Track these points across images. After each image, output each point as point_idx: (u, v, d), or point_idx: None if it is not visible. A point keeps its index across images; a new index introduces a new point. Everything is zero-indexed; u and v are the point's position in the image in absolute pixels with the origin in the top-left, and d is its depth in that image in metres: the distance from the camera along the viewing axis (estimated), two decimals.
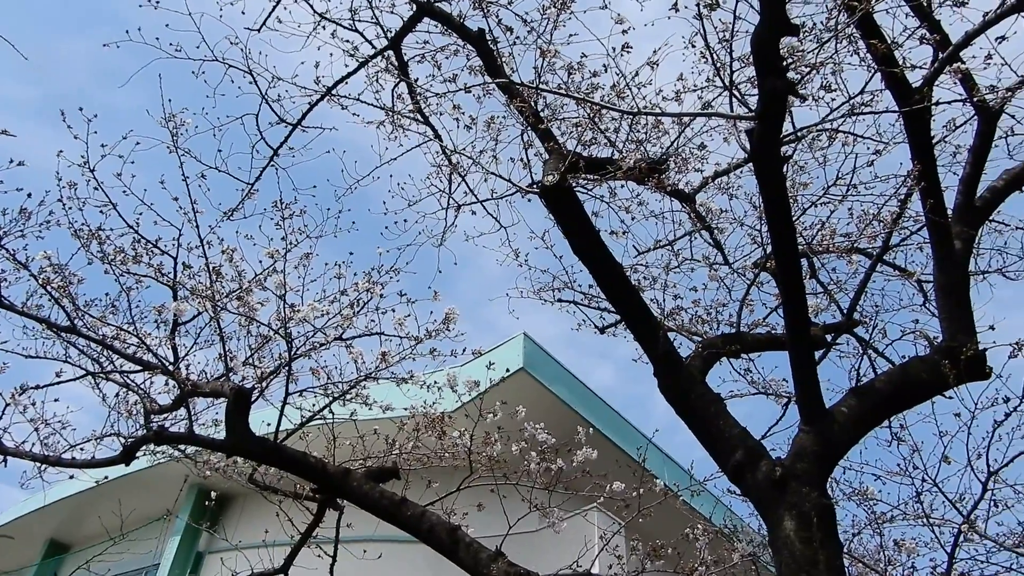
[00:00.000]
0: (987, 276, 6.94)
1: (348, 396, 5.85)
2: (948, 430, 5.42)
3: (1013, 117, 5.20)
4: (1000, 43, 4.60)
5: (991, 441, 4.98)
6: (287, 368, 5.44)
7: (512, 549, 5.36)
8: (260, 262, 5.94)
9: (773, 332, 6.12)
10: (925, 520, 5.40)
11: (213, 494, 10.37)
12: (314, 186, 6.33)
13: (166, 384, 5.85)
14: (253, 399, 5.54)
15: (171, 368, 5.53)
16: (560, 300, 6.99)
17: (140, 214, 5.46)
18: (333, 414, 6.03)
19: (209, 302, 5.44)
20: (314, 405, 6.28)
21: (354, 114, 6.55)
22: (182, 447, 6.33)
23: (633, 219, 6.04)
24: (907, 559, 5.56)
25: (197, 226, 5.48)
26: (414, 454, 6.24)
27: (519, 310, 6.90)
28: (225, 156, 6.24)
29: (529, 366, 10.07)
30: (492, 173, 5.45)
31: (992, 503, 5.30)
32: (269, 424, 5.83)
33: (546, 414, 10.33)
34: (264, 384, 5.70)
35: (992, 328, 4.98)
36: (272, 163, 6.64)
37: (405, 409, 6.04)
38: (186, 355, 5.76)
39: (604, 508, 7.57)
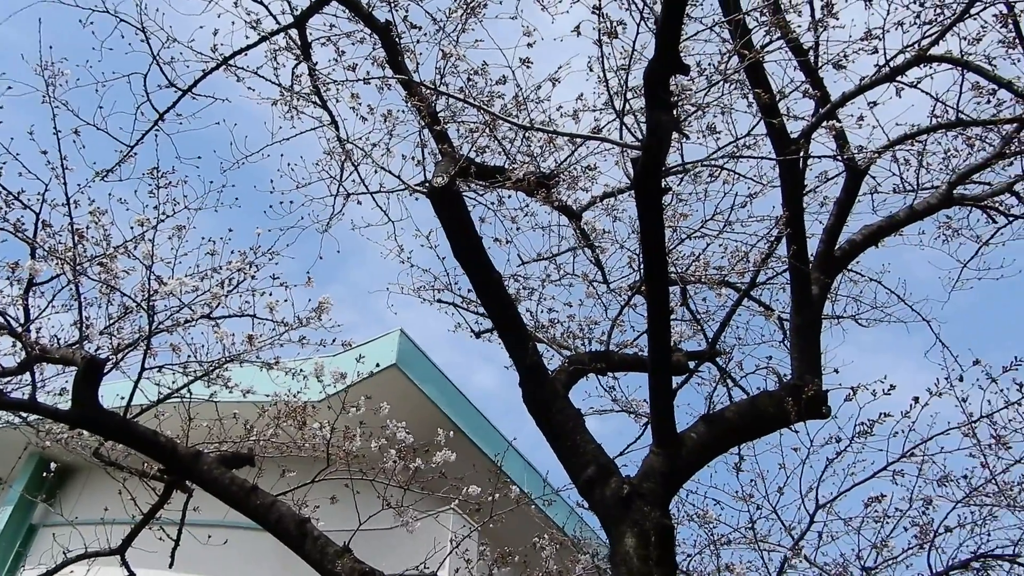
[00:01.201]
0: (842, 321, 7.42)
1: (209, 377, 5.67)
2: (792, 463, 5.73)
3: (874, 179, 5.57)
4: (873, 107, 4.91)
5: (821, 477, 5.31)
6: (146, 342, 5.22)
7: (365, 546, 5.33)
8: (132, 229, 5.70)
9: (640, 354, 6.33)
10: (756, 546, 5.70)
11: (53, 465, 9.79)
12: (199, 156, 6.11)
13: (13, 346, 5.52)
14: (106, 370, 5.30)
15: (19, 330, 5.23)
16: (440, 301, 7.01)
17: (4, 163, 5.15)
18: (191, 393, 5.84)
19: (69, 265, 5.16)
20: (174, 382, 6.07)
21: (249, 88, 6.36)
22: (23, 414, 5.98)
23: (518, 229, 6.11)
24: None
25: (65, 183, 5.20)
26: (272, 442, 6.11)
27: (413, 306, 6.88)
28: (106, 114, 5.95)
29: (402, 363, 10.03)
30: (382, 168, 5.41)
31: (819, 535, 5.65)
32: (123, 398, 5.60)
33: (414, 412, 10.35)
34: (120, 356, 5.45)
35: (836, 371, 5.32)
36: (157, 127, 6.36)
37: (267, 395, 5.90)
38: (38, 317, 5.46)
39: (461, 511, 7.63)
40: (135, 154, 6.09)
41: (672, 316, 7.08)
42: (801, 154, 4.94)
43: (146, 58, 6.13)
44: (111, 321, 5.60)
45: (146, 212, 5.46)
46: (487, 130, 5.32)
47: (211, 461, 5.32)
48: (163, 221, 5.21)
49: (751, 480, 5.72)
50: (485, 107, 5.00)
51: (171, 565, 6.26)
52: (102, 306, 5.61)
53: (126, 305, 5.46)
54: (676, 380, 6.89)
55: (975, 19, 4.65)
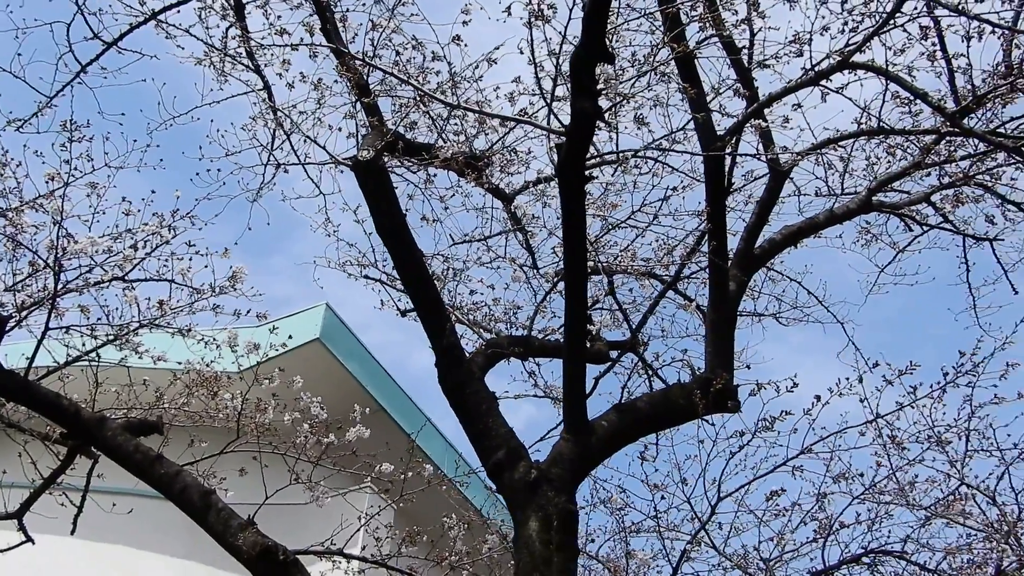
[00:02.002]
0: (764, 319, 7.57)
1: (118, 341, 5.51)
2: (706, 454, 5.83)
3: (792, 181, 5.68)
4: (797, 109, 5.00)
5: (724, 469, 5.43)
6: (51, 301, 5.04)
7: (276, 521, 5.27)
8: (47, 184, 5.49)
9: (562, 341, 6.35)
10: (658, 535, 5.82)
11: None
12: (122, 113, 5.90)
13: None
14: (8, 328, 5.12)
15: None
16: (367, 277, 6.92)
17: None
18: (100, 357, 5.67)
19: None
20: (84, 345, 5.89)
21: (179, 47, 6.17)
22: None
23: (447, 209, 6.07)
24: (638, 569, 5.98)
25: None
26: (184, 410, 5.99)
27: (357, 282, 6.77)
28: (25, 62, 5.71)
29: (325, 337, 9.93)
30: (310, 138, 5.31)
31: (722, 526, 5.79)
32: (27, 357, 5.41)
33: (337, 388, 10.25)
34: (24, 314, 5.26)
35: (748, 367, 5.43)
36: (79, 80, 6.13)
37: (179, 363, 5.77)
38: None
39: (376, 489, 7.60)
40: (55, 106, 5.86)
41: (598, 306, 7.15)
42: (727, 151, 4.99)
43: (71, 7, 5.91)
44: (17, 279, 5.40)
45: (60, 166, 5.27)
46: (418, 106, 5.26)
47: (116, 427, 5.19)
48: (76, 178, 5.03)
49: (667, 472, 5.83)
50: (416, 83, 4.94)
51: (73, 532, 6.10)
52: (7, 262, 5.41)
53: (33, 262, 5.26)
54: (598, 369, 6.97)
55: (902, 30, 4.76)
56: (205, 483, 5.02)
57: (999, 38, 4.76)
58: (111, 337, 5.67)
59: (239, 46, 6.03)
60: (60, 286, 5.12)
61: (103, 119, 6.02)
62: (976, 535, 5.83)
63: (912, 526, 5.89)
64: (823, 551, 5.82)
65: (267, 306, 5.64)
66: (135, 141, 5.73)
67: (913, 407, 5.19)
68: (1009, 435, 5.91)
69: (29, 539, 6.02)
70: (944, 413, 5.76)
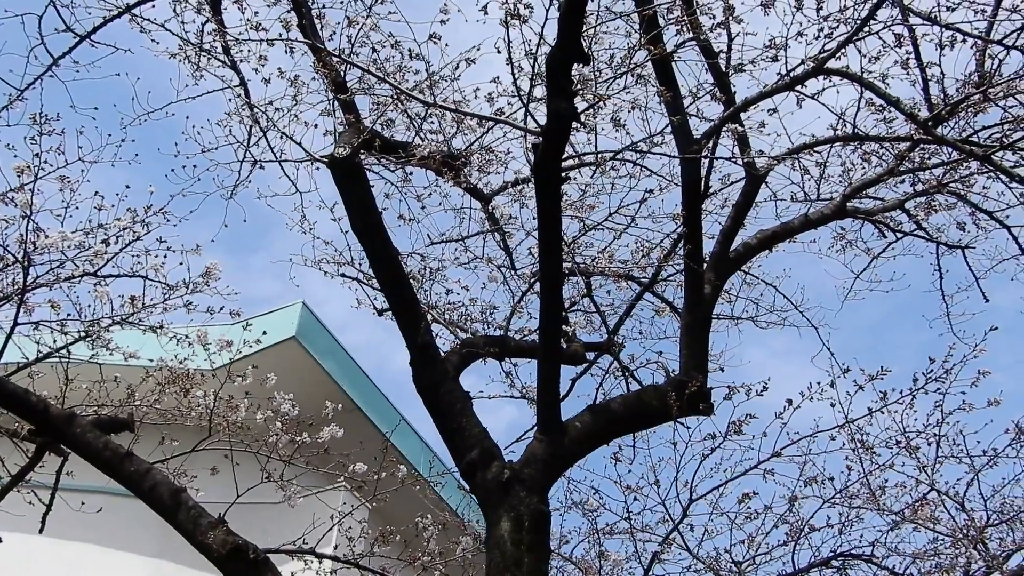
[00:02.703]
0: (741, 322, 7.61)
1: (89, 337, 5.45)
2: (679, 457, 5.86)
3: (768, 186, 5.72)
4: (772, 114, 5.03)
5: (696, 471, 5.46)
6: (20, 296, 4.98)
7: (248, 520, 5.22)
8: (18, 177, 5.42)
9: (536, 341, 6.35)
10: (631, 536, 5.83)
11: None
12: (95, 107, 5.84)
13: None
14: None
15: None
16: (343, 275, 6.89)
17: None
18: (70, 353, 5.60)
19: None
20: (54, 341, 5.82)
21: (154, 41, 6.11)
22: None
23: (423, 208, 6.05)
24: (611, 570, 5.98)
25: None
26: (156, 408, 5.92)
27: (336, 280, 6.74)
28: None
29: (301, 335, 9.88)
30: (286, 135, 5.28)
31: (693, 527, 5.81)
32: None
33: (312, 386, 10.18)
34: None
35: (722, 370, 5.45)
36: (51, 73, 6.06)
37: (151, 360, 5.71)
38: None
39: (349, 488, 7.57)
40: (25, 99, 5.79)
41: (575, 307, 7.16)
42: (704, 155, 5.02)
43: None
44: None
45: (31, 160, 5.20)
46: (395, 104, 5.24)
47: (85, 424, 5.12)
48: (47, 172, 4.96)
49: (642, 474, 5.84)
50: (394, 81, 4.92)
51: (41, 530, 6.03)
52: None
53: (2, 256, 5.19)
54: (575, 371, 6.98)
55: (877, 37, 4.80)
56: (176, 481, 4.97)
57: (972, 48, 4.82)
58: (82, 333, 5.60)
59: (215, 41, 5.99)
60: (30, 281, 5.06)
61: (76, 113, 5.96)
62: (944, 540, 5.89)
63: (881, 530, 5.95)
64: (793, 554, 5.86)
65: (250, 304, 5.63)
66: (109, 136, 5.67)
67: (884, 412, 5.23)
68: (979, 442, 6.00)
69: None
70: (915, 419, 5.83)
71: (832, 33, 4.51)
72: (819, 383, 4.98)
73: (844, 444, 5.42)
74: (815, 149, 5.64)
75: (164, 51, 6.11)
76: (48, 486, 5.94)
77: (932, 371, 5.30)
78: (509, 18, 3.80)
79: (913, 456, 5.71)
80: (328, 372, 10.21)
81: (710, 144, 5.34)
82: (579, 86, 3.93)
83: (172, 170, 5.97)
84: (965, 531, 5.68)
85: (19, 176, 5.27)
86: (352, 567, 5.52)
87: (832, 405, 5.14)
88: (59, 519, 6.01)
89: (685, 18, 4.66)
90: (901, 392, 5.29)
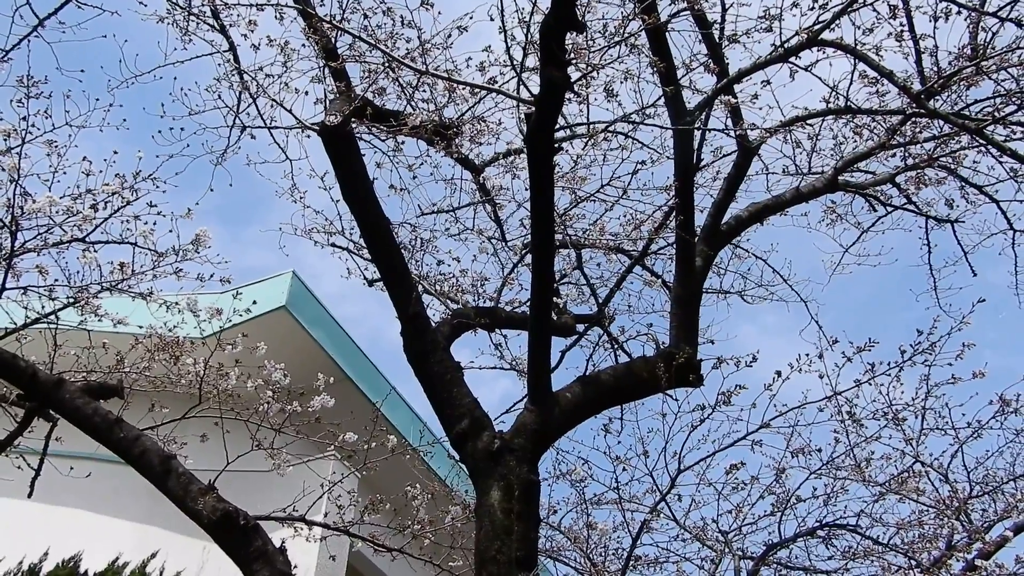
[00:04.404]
0: (729, 296, 7.63)
1: (78, 303, 5.42)
2: (665, 428, 5.90)
3: (761, 159, 5.70)
4: (765, 85, 5.00)
5: (684, 442, 5.51)
6: (8, 261, 4.94)
7: (237, 488, 5.23)
8: (4, 140, 5.35)
9: (527, 312, 6.36)
10: (619, 507, 5.89)
11: None
12: (82, 70, 5.75)
13: None
14: None
15: None
16: (333, 245, 6.87)
17: None
18: (59, 319, 5.57)
19: None
20: (43, 307, 5.79)
21: (141, 3, 6.01)
22: None
23: (415, 178, 6.02)
24: (599, 540, 6.05)
25: None
26: (145, 375, 5.91)
27: (326, 250, 6.72)
28: None
29: (291, 305, 9.85)
30: (276, 102, 5.22)
31: (682, 497, 5.88)
32: None
33: (302, 355, 10.18)
34: None
35: (712, 343, 5.48)
36: (36, 34, 5.96)
37: (141, 327, 5.69)
38: None
39: (339, 457, 7.60)
40: (10, 59, 5.70)
41: (565, 279, 7.16)
42: (696, 126, 5.00)
43: None
44: None
45: (18, 123, 5.14)
46: (387, 72, 5.18)
47: (74, 389, 5.11)
48: (35, 136, 4.90)
49: (630, 445, 5.89)
50: (385, 48, 4.87)
51: (30, 495, 6.04)
52: None
53: None
54: (565, 342, 6.99)
55: (871, 9, 4.77)
56: (166, 448, 4.98)
57: (966, 20, 4.80)
58: (71, 299, 5.57)
59: (204, 4, 5.90)
60: (17, 246, 5.01)
61: (63, 76, 5.87)
62: (928, 511, 5.97)
63: (867, 501, 6.03)
64: (780, 524, 5.94)
65: (242, 275, 5.58)
66: (97, 100, 5.60)
67: (871, 384, 5.28)
68: (964, 414, 6.07)
69: None
70: (902, 392, 5.89)
71: (827, 3, 4.48)
72: (807, 355, 5.02)
73: (831, 416, 5.47)
74: (807, 122, 5.63)
75: (153, 14, 6.03)
76: (37, 451, 5.94)
77: (920, 343, 5.35)
78: None
79: (899, 428, 5.78)
80: (318, 341, 10.21)
81: (703, 116, 5.32)
82: (572, 55, 3.90)
83: (159, 131, 5.91)
84: (949, 502, 5.76)
85: (5, 140, 5.22)
86: (343, 534, 5.56)
87: (820, 377, 5.18)
88: (48, 484, 6.02)
89: None
90: (889, 364, 5.33)
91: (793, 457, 5.75)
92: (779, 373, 5.00)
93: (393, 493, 6.40)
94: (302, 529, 5.58)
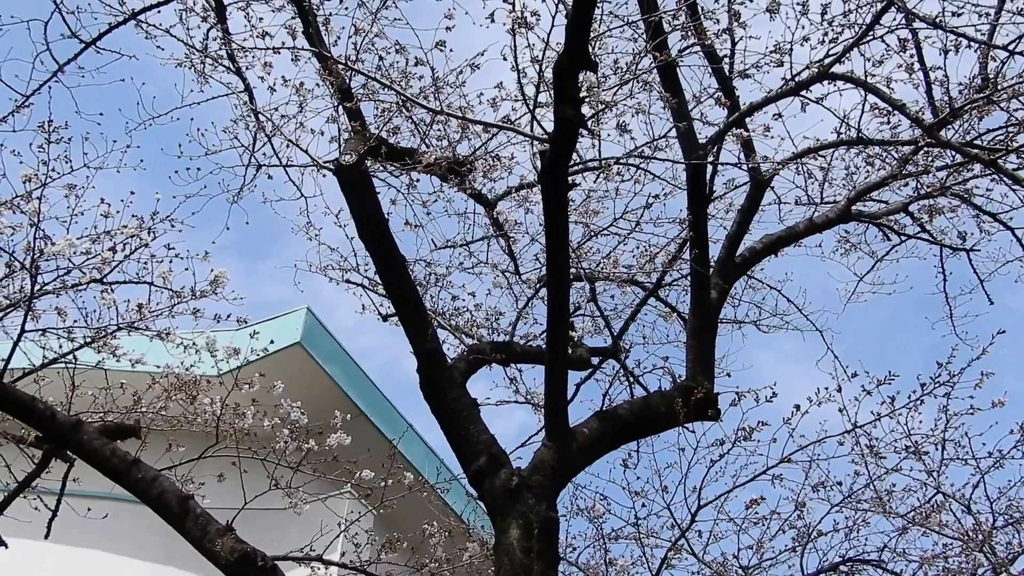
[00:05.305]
0: (743, 326, 7.61)
1: (95, 343, 5.45)
2: (686, 462, 5.84)
3: (773, 190, 5.72)
4: (778, 118, 5.03)
5: (704, 477, 5.45)
6: (28, 303, 4.98)
7: (254, 527, 5.21)
8: (24, 184, 5.44)
9: (542, 347, 6.35)
10: (639, 541, 5.83)
11: None
12: (101, 113, 5.85)
13: None
14: None
15: None
16: (348, 281, 6.91)
17: None
18: (76, 359, 5.61)
19: None
20: (61, 347, 5.83)
21: (159, 47, 6.12)
22: None
23: (428, 214, 6.06)
24: (618, 575, 5.97)
25: None
26: (162, 415, 5.92)
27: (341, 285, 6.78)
28: (0, 60, 5.65)
29: (306, 341, 9.88)
30: (292, 141, 5.28)
31: (701, 534, 5.81)
32: (2, 359, 5.34)
33: (316, 391, 10.19)
34: None
35: (729, 375, 5.45)
36: (56, 79, 6.07)
37: (158, 366, 5.72)
38: None
39: (356, 495, 7.57)
40: (31, 104, 5.81)
41: (580, 312, 7.16)
42: (708, 160, 5.02)
43: (48, 4, 5.85)
44: None
45: (38, 167, 5.21)
46: (401, 111, 5.24)
47: (92, 431, 5.12)
48: (53, 179, 4.97)
49: (647, 479, 5.84)
50: (399, 88, 4.93)
51: (47, 536, 6.03)
52: None
53: (10, 264, 5.20)
54: (580, 375, 6.98)
55: (880, 41, 4.81)
56: (183, 488, 4.97)
57: (975, 51, 4.82)
58: (88, 340, 5.61)
59: (220, 48, 6.00)
60: (37, 288, 5.06)
61: (81, 119, 5.97)
62: (952, 544, 5.88)
63: (889, 535, 5.95)
64: (801, 559, 5.85)
65: (259, 309, 5.63)
66: (114, 142, 5.68)
67: (891, 417, 5.23)
68: (984, 443, 6.00)
69: (2, 543, 5.94)
70: (920, 422, 5.83)
71: (836, 38, 4.52)
72: (827, 388, 4.99)
73: (852, 449, 5.41)
74: (819, 153, 5.64)
75: (170, 57, 6.14)
76: (54, 492, 5.95)
77: (939, 375, 5.30)
78: (517, 27, 3.80)
79: (920, 460, 5.71)
80: (333, 377, 10.21)
81: (715, 149, 5.34)
82: (586, 93, 3.94)
83: (176, 172, 5.99)
84: (973, 534, 5.67)
85: (25, 183, 5.29)
86: (360, 574, 5.52)
87: (841, 411, 5.14)
88: (65, 525, 6.02)
89: (690, 24, 4.66)
90: (909, 397, 5.29)
91: (814, 491, 5.69)
92: (798, 407, 4.97)
93: (410, 531, 6.36)
94: (319, 569, 5.54)
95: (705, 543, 6.44)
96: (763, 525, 5.87)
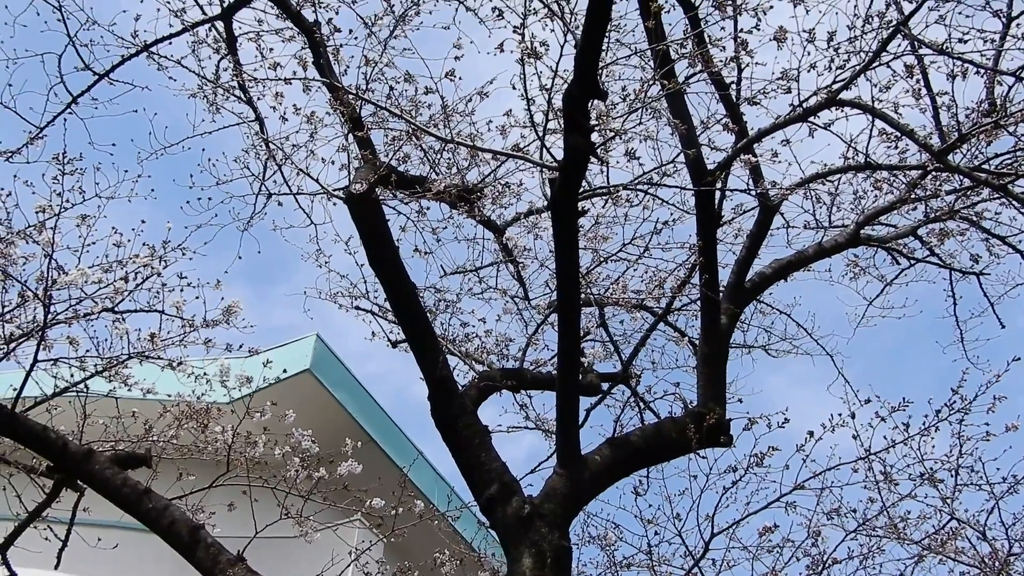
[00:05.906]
0: (753, 351, 7.59)
1: (107, 372, 5.47)
2: (697, 489, 5.80)
3: (783, 216, 5.72)
4: (786, 144, 5.06)
5: (717, 505, 5.41)
6: (40, 333, 5.01)
7: (264, 556, 5.19)
8: (37, 215, 5.49)
9: (553, 373, 6.35)
10: (651, 570, 5.78)
11: None
12: (113, 144, 5.91)
13: None
14: None
15: None
16: (358, 308, 6.93)
17: None
18: (88, 388, 5.63)
19: None
20: (72, 376, 5.84)
21: (171, 78, 6.20)
22: None
23: (438, 240, 6.08)
24: None
25: None
26: (172, 443, 5.92)
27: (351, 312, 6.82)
28: (15, 93, 5.73)
29: (316, 368, 9.88)
30: (302, 171, 5.33)
31: (715, 562, 5.75)
32: (15, 388, 5.36)
33: (326, 418, 10.17)
34: (12, 346, 5.22)
35: (740, 401, 5.43)
36: (69, 111, 6.14)
37: (169, 395, 5.72)
38: None
39: (366, 523, 7.53)
40: (45, 136, 5.87)
41: (589, 338, 7.15)
42: (717, 186, 5.04)
43: (62, 38, 5.93)
44: (5, 309, 5.36)
45: (52, 198, 5.26)
46: (410, 139, 5.29)
47: (103, 460, 5.13)
48: (67, 209, 5.01)
49: (658, 505, 5.80)
50: (409, 117, 4.97)
51: (57, 566, 6.01)
52: None
53: (23, 293, 5.23)
54: (590, 401, 6.96)
55: (887, 67, 4.84)
56: (193, 517, 4.97)
57: (982, 77, 4.84)
58: (100, 369, 5.63)
59: (232, 79, 6.07)
60: (49, 317, 5.09)
61: (94, 149, 6.03)
62: (968, 572, 5.82)
63: (905, 562, 5.88)
64: None
65: (269, 335, 5.65)
66: (126, 171, 5.74)
67: (905, 443, 5.20)
68: (998, 469, 5.94)
69: (13, 573, 5.93)
70: (934, 447, 5.78)
71: (844, 64, 4.55)
72: (840, 415, 4.97)
73: (865, 475, 5.38)
74: (827, 178, 5.66)
75: (182, 88, 6.21)
76: (64, 521, 5.94)
77: (953, 402, 5.28)
78: (526, 57, 3.84)
79: (934, 486, 5.66)
80: (342, 404, 10.20)
81: (723, 175, 5.36)
82: (595, 121, 3.97)
83: (187, 201, 6.03)
84: (990, 561, 5.61)
85: (38, 214, 5.34)
86: None
87: (854, 437, 5.11)
88: (75, 554, 6.01)
89: (697, 52, 4.70)
90: (923, 422, 5.26)
91: (828, 518, 5.64)
92: (811, 433, 4.95)
93: (421, 560, 6.31)
94: None
95: (718, 571, 6.38)
96: (777, 553, 5.82)
